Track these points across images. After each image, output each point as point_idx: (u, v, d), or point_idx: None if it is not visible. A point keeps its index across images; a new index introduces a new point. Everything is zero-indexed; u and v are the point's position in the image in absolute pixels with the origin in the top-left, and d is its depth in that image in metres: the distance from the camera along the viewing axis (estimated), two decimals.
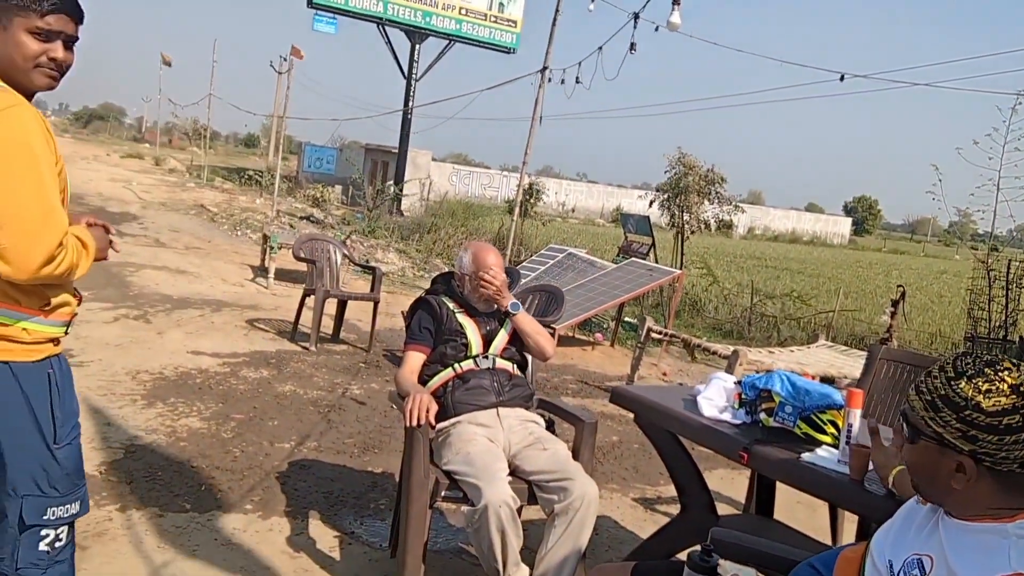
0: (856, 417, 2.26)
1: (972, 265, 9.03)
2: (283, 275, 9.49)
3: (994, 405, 1.33)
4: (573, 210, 38.64)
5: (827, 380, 6.51)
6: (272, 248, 9.41)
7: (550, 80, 8.97)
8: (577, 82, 8.63)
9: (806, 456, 2.31)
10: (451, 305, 3.02)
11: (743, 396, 2.63)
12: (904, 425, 1.47)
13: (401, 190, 19.73)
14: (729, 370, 5.21)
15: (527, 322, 3.05)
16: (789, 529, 2.86)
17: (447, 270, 3.46)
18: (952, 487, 1.38)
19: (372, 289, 6.63)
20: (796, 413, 2.47)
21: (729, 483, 4.56)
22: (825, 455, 2.31)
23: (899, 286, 11.60)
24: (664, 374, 7.33)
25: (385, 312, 7.01)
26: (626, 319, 8.83)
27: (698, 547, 1.73)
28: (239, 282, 9.18)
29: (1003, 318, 8.47)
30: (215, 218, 15.99)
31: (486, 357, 2.94)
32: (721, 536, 1.95)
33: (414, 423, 2.60)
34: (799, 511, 3.94)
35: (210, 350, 5.89)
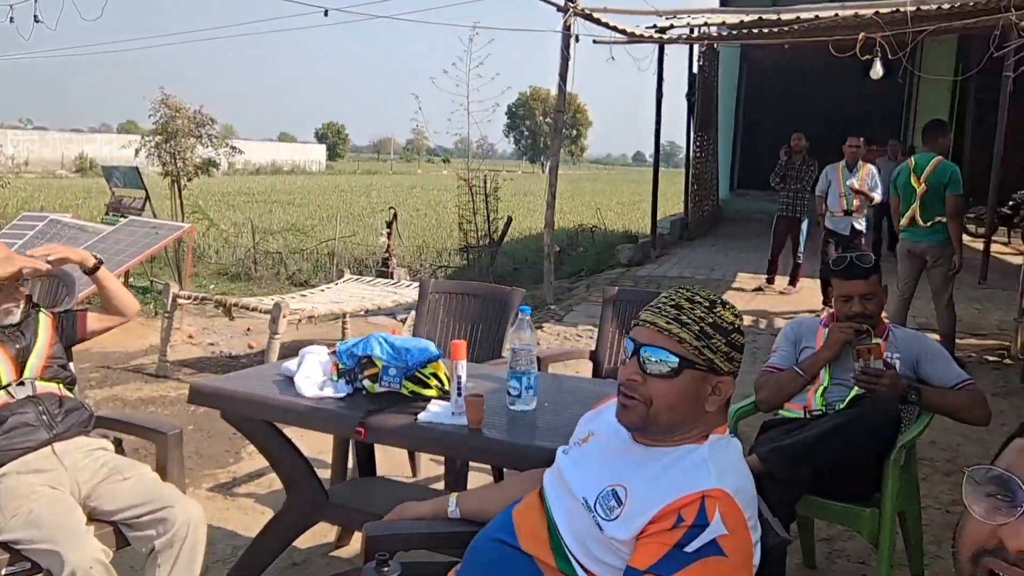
0: (463, 368, 2.30)
1: (456, 183, 9.99)
2: None
3: (741, 325, 1.50)
4: (27, 163, 33.31)
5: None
6: None
7: None
8: (37, 21, 7.22)
9: (423, 416, 2.30)
10: None
11: (340, 366, 2.51)
12: (666, 366, 1.45)
13: None
14: (273, 324, 5.02)
15: (111, 278, 2.59)
16: (403, 485, 2.87)
17: None
18: (705, 411, 1.48)
19: None
20: (400, 374, 2.43)
21: (298, 439, 4.43)
22: (439, 410, 2.33)
23: (390, 208, 12.40)
24: (190, 336, 6.81)
25: None
26: (132, 284, 7.96)
27: (371, 562, 1.58)
28: None
29: (487, 226, 9.57)
30: None
31: (22, 384, 2.34)
32: (377, 532, 1.84)
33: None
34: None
35: None
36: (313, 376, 2.50)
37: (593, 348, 3.81)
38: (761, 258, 10.74)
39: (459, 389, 2.28)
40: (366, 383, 2.46)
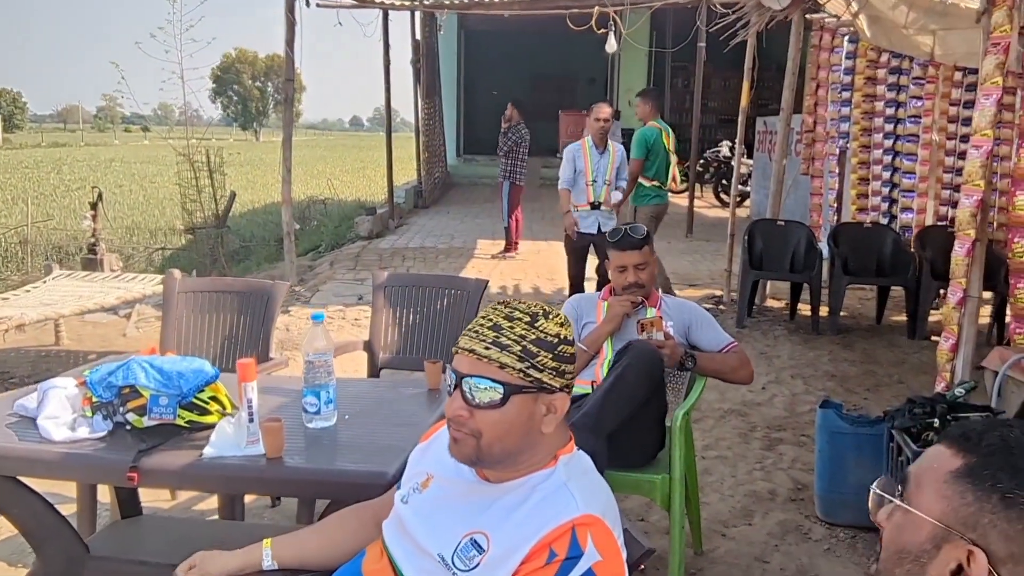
0: (254, 391, 2.04)
1: (175, 159, 9.11)
2: None
3: (568, 335, 1.39)
4: None
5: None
6: None
7: None
8: None
9: (209, 451, 2.01)
10: None
11: (95, 399, 2.13)
12: (491, 395, 1.33)
13: None
14: None
15: None
16: (179, 522, 2.53)
17: None
18: (542, 433, 1.37)
19: None
20: (174, 402, 2.11)
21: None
22: (227, 442, 2.05)
23: (93, 187, 11.13)
24: None
25: None
26: None
27: None
28: None
29: (214, 204, 8.86)
30: None
31: None
32: None
33: None
34: None
35: None
36: (62, 415, 2.10)
37: (366, 339, 3.64)
38: (495, 223, 11.05)
39: (251, 414, 2.02)
40: (130, 417, 2.10)
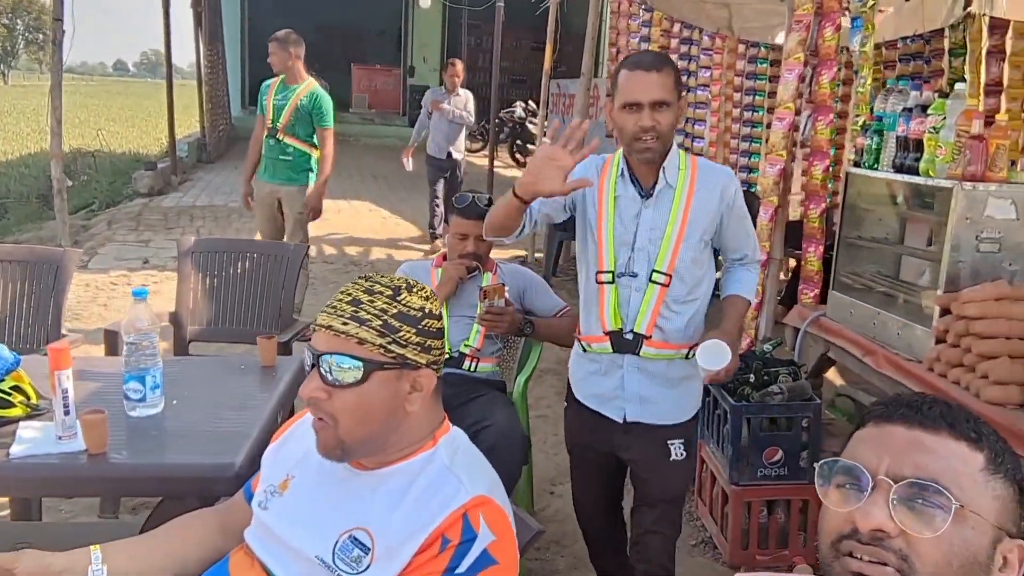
0: (69, 379, 1.78)
1: None
2: None
3: (435, 309, 1.33)
4: None
5: None
6: None
7: None
8: None
9: (17, 449, 1.74)
10: None
11: None
12: (350, 374, 1.24)
13: None
14: None
15: None
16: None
17: None
18: (407, 412, 1.29)
19: None
20: None
21: None
22: (37, 436, 1.79)
23: None
24: None
25: None
26: None
27: None
28: None
29: None
30: None
31: None
32: None
33: None
34: None
35: None
36: None
37: (170, 309, 3.34)
38: None
39: (67, 406, 1.77)
40: None
